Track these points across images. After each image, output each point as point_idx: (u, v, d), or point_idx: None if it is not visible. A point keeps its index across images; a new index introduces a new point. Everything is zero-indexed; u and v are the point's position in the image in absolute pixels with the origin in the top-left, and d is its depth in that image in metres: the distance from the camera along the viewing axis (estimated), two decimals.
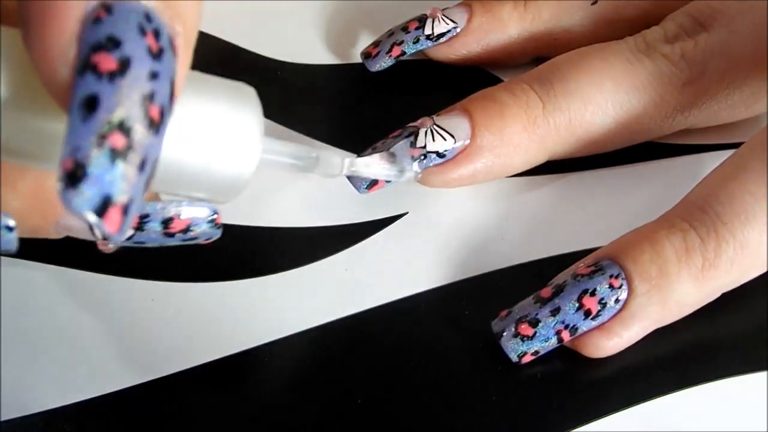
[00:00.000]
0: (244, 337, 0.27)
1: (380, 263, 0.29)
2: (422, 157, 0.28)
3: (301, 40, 0.35)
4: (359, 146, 0.31)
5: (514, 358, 0.25)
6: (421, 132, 0.28)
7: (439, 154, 0.28)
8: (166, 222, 0.24)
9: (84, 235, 0.23)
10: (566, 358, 0.26)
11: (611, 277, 0.25)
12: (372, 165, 0.24)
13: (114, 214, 0.17)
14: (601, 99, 0.28)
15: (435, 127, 0.28)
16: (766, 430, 0.25)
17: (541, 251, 0.29)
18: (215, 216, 0.24)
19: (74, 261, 0.29)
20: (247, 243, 0.30)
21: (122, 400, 0.26)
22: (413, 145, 0.27)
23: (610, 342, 0.25)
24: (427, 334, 0.27)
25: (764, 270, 0.25)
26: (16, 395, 0.26)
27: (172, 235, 0.24)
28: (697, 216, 0.25)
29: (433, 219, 0.30)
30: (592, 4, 0.30)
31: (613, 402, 0.26)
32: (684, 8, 0.29)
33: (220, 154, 0.21)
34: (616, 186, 0.30)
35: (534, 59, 0.32)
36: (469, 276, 0.29)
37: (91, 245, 0.30)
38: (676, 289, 0.25)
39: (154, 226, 0.24)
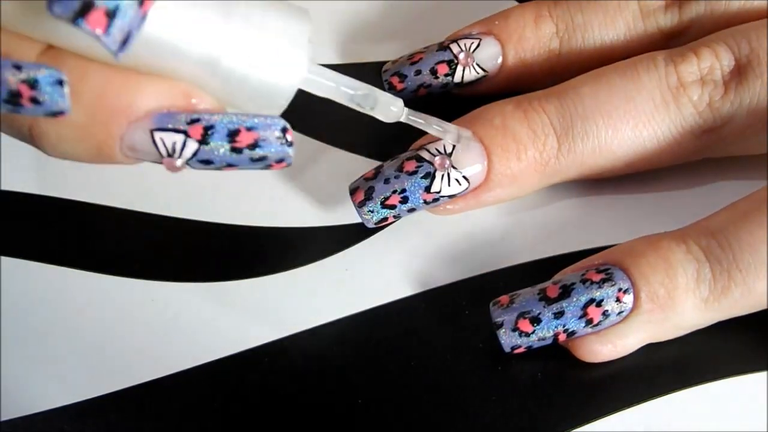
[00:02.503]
0: (244, 337, 0.27)
1: (380, 263, 0.29)
2: (434, 201, 0.28)
3: None
4: (361, 146, 0.32)
5: (506, 349, 0.25)
6: (437, 176, 0.27)
7: (451, 196, 0.28)
8: (232, 134, 0.23)
9: (148, 154, 0.23)
10: (565, 359, 0.26)
11: (620, 290, 0.25)
12: (427, 124, 0.26)
13: (97, 16, 0.18)
14: (616, 147, 0.27)
15: (451, 170, 0.27)
16: (766, 430, 0.25)
17: (541, 251, 0.29)
18: (286, 128, 0.23)
19: (74, 261, 0.29)
20: (247, 243, 0.30)
21: (122, 400, 0.26)
22: (428, 189, 0.27)
23: (604, 348, 0.25)
24: (427, 334, 0.27)
25: (763, 308, 0.25)
26: (16, 395, 0.26)
27: (239, 151, 0.23)
28: (714, 251, 0.25)
29: (433, 219, 0.30)
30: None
31: (613, 402, 0.26)
32: (724, 35, 0.28)
33: (266, 61, 0.23)
34: (617, 186, 0.30)
35: None
36: (469, 276, 0.29)
37: (91, 245, 0.30)
38: (678, 313, 0.25)
39: (220, 139, 0.23)
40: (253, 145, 0.23)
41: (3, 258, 0.29)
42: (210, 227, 0.30)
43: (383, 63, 0.32)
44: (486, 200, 0.28)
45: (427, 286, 0.28)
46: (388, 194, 0.27)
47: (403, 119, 0.26)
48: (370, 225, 0.28)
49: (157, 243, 0.30)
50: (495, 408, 0.26)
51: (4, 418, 0.26)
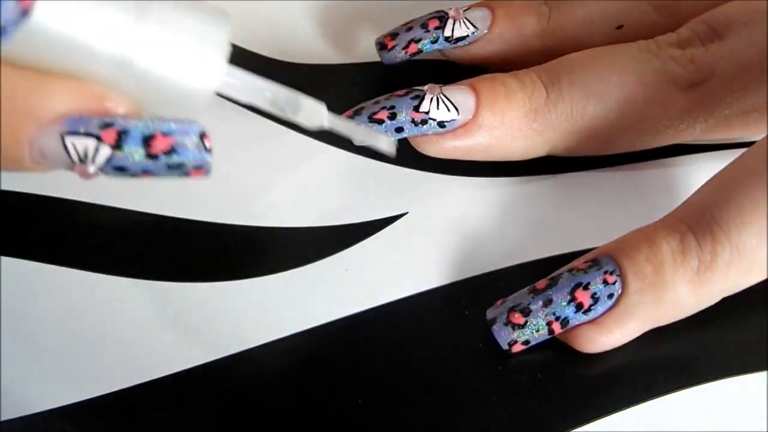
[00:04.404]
0: (244, 337, 0.27)
1: (380, 263, 0.29)
2: (422, 123, 0.28)
3: (301, 40, 0.35)
4: (360, 146, 0.32)
5: (504, 345, 0.26)
6: (427, 97, 0.28)
7: (440, 124, 0.28)
8: (147, 139, 0.21)
9: (60, 161, 0.21)
10: (566, 359, 0.26)
11: (606, 272, 0.25)
12: (354, 129, 0.25)
13: None
14: (604, 92, 0.28)
15: (441, 95, 0.28)
16: (766, 430, 0.25)
17: (541, 251, 0.29)
18: (204, 134, 0.22)
19: (74, 261, 0.29)
20: (247, 243, 0.30)
21: (122, 400, 0.26)
22: (417, 109, 0.28)
23: (602, 337, 0.25)
24: (427, 334, 0.27)
25: (764, 276, 0.25)
26: (16, 395, 0.26)
27: (155, 157, 0.22)
28: (695, 219, 0.25)
29: (433, 219, 0.30)
30: (617, 28, 0.30)
31: (613, 402, 0.26)
32: (701, 16, 0.29)
33: (180, 63, 0.22)
34: (616, 185, 0.30)
35: None
36: (469, 276, 0.29)
37: (91, 245, 0.30)
38: (670, 290, 0.25)
39: (134, 145, 0.21)
40: (170, 152, 0.22)
41: (3, 258, 0.29)
42: (210, 227, 0.30)
43: (379, 63, 0.32)
44: (477, 143, 0.28)
45: (428, 286, 0.28)
46: (376, 110, 0.28)
47: (326, 125, 0.24)
48: (357, 141, 0.27)
49: (157, 243, 0.30)
50: (495, 408, 0.26)
51: (4, 418, 0.26)
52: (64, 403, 0.26)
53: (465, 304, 0.28)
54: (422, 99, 0.28)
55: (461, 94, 0.28)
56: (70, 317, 0.28)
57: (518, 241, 0.29)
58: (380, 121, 0.28)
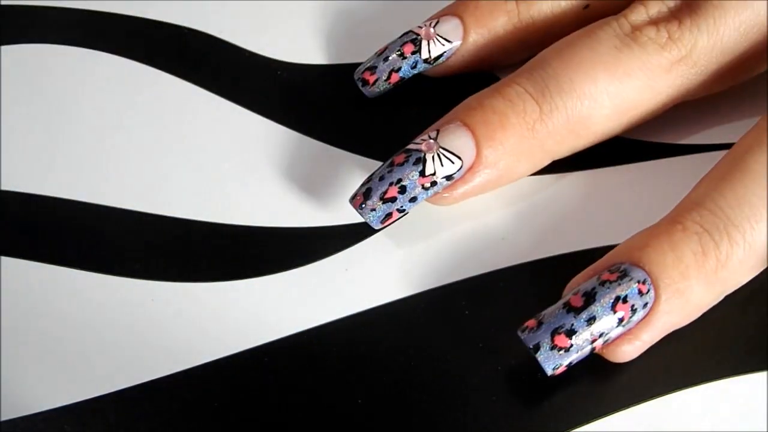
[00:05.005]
0: (244, 337, 0.27)
1: (380, 263, 0.29)
2: (432, 185, 0.28)
3: (301, 40, 0.35)
4: (360, 146, 0.32)
5: (548, 371, 0.25)
6: (428, 158, 0.27)
7: (448, 178, 0.28)
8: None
9: None
10: None
11: (638, 282, 0.25)
12: None
13: None
14: (595, 92, 0.28)
15: (441, 150, 0.28)
16: (766, 430, 0.25)
17: (541, 251, 0.29)
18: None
19: (74, 261, 0.29)
20: (247, 243, 0.30)
21: (122, 400, 0.26)
22: (423, 173, 0.27)
23: (632, 347, 0.25)
24: (426, 334, 0.27)
25: (763, 268, 0.26)
26: (16, 395, 0.27)
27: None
28: (708, 218, 0.25)
29: (433, 219, 0.30)
30: (585, 8, 0.30)
31: (613, 402, 0.26)
32: None
33: None
34: (616, 185, 0.30)
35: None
36: (469, 276, 0.29)
37: (91, 245, 0.30)
38: (695, 293, 0.25)
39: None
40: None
41: (3, 258, 0.29)
42: (210, 227, 0.30)
43: None
44: (488, 179, 0.28)
45: (427, 286, 0.28)
46: (385, 188, 0.27)
47: None
48: (377, 225, 0.28)
49: (157, 243, 0.30)
50: (495, 408, 0.26)
51: (4, 418, 0.26)
52: (64, 403, 0.26)
53: (465, 304, 0.28)
54: (424, 161, 0.27)
55: (458, 139, 0.28)
56: (70, 317, 0.28)
57: (518, 241, 0.29)
58: (393, 199, 0.27)
